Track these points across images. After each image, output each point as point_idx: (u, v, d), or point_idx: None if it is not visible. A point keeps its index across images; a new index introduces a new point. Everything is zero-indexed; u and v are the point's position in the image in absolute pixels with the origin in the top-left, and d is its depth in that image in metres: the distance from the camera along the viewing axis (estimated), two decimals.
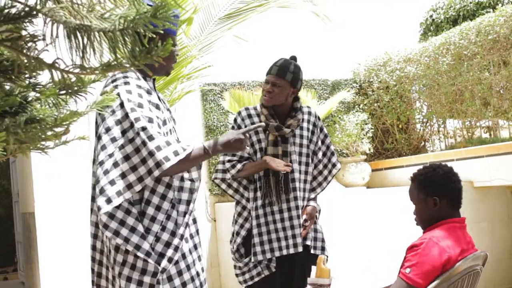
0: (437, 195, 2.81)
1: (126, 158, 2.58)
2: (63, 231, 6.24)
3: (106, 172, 2.56)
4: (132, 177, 2.56)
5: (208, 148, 2.71)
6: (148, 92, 2.76)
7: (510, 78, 6.62)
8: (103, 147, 2.60)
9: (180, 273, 2.78)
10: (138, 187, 2.56)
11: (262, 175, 3.65)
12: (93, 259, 2.86)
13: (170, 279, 2.73)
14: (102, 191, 2.54)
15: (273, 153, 3.62)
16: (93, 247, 2.85)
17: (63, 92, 1.64)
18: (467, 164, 6.12)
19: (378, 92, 8.12)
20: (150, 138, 2.56)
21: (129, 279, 2.63)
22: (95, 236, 2.84)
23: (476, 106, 7.04)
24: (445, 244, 2.67)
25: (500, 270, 6.52)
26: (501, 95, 6.95)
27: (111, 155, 2.58)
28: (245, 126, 3.71)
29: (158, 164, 2.53)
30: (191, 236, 2.87)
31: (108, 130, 2.61)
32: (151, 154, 2.54)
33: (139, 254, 2.59)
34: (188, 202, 2.83)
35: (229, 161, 3.69)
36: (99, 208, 2.53)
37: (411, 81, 7.93)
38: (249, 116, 3.75)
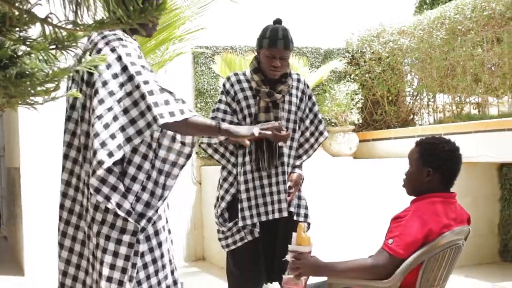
0: (432, 168, 2.81)
1: (125, 111, 2.58)
2: (48, 187, 6.23)
3: (106, 126, 2.55)
4: (131, 130, 2.57)
5: (219, 124, 2.76)
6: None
7: (502, 55, 6.61)
8: (101, 101, 2.58)
9: (157, 233, 2.80)
10: (137, 140, 2.58)
11: (253, 142, 3.64)
12: (60, 218, 2.84)
13: (148, 239, 2.75)
14: (103, 144, 2.53)
15: (265, 119, 3.61)
16: (61, 206, 2.83)
17: (54, 47, 1.62)
18: (455, 139, 6.16)
19: (370, 63, 8.10)
20: (151, 93, 2.57)
21: (107, 238, 2.63)
22: (64, 195, 2.82)
23: (467, 82, 7.04)
24: (428, 218, 2.69)
25: (482, 246, 6.61)
26: (493, 72, 6.96)
27: (110, 109, 2.57)
28: (234, 92, 3.69)
29: (155, 119, 2.54)
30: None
31: (105, 83, 2.60)
32: (149, 108, 2.55)
33: (119, 212, 2.59)
34: (174, 164, 2.84)
35: None
36: (100, 162, 2.52)
37: (404, 54, 7.91)
38: (239, 81, 3.73)
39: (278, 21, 3.68)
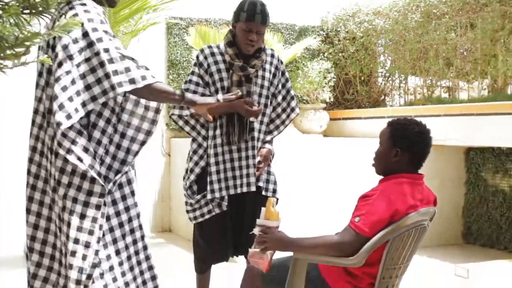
0: (401, 149, 2.83)
1: (82, 76, 2.59)
2: (15, 154, 6.16)
3: (64, 89, 2.55)
4: (86, 96, 2.58)
5: (183, 93, 2.82)
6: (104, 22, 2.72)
7: (475, 41, 6.66)
8: (60, 64, 2.58)
9: (124, 198, 2.81)
10: (91, 106, 2.59)
11: (224, 116, 3.63)
12: (27, 183, 2.84)
13: (114, 202, 2.76)
14: (61, 106, 2.53)
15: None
16: (28, 172, 2.83)
17: (27, 11, 1.59)
18: (425, 122, 6.22)
19: (344, 42, 8.11)
20: (110, 61, 2.58)
21: (75, 200, 2.63)
22: (30, 161, 2.83)
23: (439, 65, 7.09)
24: (395, 198, 2.71)
25: (446, 228, 6.71)
26: (465, 57, 7.02)
27: (68, 72, 2.57)
28: (208, 65, 3.66)
29: (112, 87, 2.56)
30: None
31: (65, 47, 2.59)
32: (107, 76, 2.57)
33: (92, 173, 2.60)
34: (138, 129, 2.87)
35: None
36: (58, 124, 2.51)
37: (378, 34, 7.92)
38: (212, 54, 3.70)
39: None
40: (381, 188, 2.79)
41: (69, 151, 2.57)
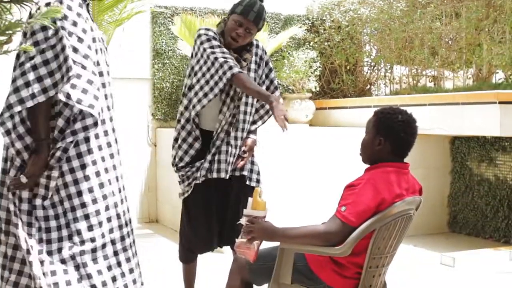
0: (384, 137, 2.84)
1: (45, 62, 2.61)
2: None
3: (23, 74, 2.57)
4: (48, 82, 2.59)
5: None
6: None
7: (460, 30, 6.68)
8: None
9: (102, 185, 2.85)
10: (52, 92, 2.61)
11: (221, 103, 3.61)
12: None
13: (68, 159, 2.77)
14: (16, 90, 2.56)
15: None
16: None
17: (7, 0, 1.56)
18: (410, 111, 6.25)
19: (329, 31, 8.10)
20: (75, 49, 2.64)
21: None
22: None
23: (424, 54, 7.10)
24: (381, 187, 2.71)
25: (431, 217, 6.74)
26: (450, 46, 7.03)
27: (31, 58, 2.59)
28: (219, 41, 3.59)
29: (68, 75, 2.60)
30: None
31: (33, 34, 2.62)
32: (66, 59, 2.61)
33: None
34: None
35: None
36: (9, 106, 2.53)
37: (364, 24, 7.92)
38: (215, 36, 3.64)
39: None
40: (367, 177, 2.79)
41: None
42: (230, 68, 3.43)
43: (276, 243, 2.87)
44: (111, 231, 2.84)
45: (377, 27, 7.73)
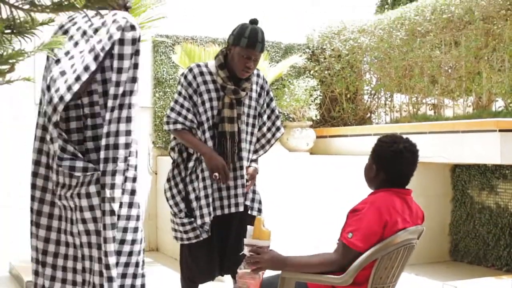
0: (377, 167, 2.84)
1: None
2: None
3: (63, 73, 2.75)
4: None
5: None
6: None
7: (459, 58, 6.71)
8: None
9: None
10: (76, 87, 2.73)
11: (216, 136, 3.62)
12: (33, 198, 2.89)
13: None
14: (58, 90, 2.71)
15: (229, 115, 3.61)
16: (33, 186, 2.94)
17: (9, 31, 1.57)
18: (410, 139, 6.27)
19: (330, 59, 8.14)
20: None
21: (88, 195, 2.79)
22: (35, 175, 2.93)
23: (424, 83, 7.13)
24: (385, 210, 2.71)
25: (433, 245, 6.70)
26: (449, 75, 7.06)
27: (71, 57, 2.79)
28: (197, 84, 3.65)
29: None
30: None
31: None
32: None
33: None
34: None
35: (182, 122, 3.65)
36: (61, 98, 2.60)
37: (363, 52, 7.96)
38: (201, 73, 3.69)
39: (255, 21, 3.66)
40: (370, 200, 2.79)
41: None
42: (174, 123, 3.62)
43: (276, 272, 2.85)
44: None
45: (377, 55, 7.77)
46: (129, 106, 2.82)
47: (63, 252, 2.90)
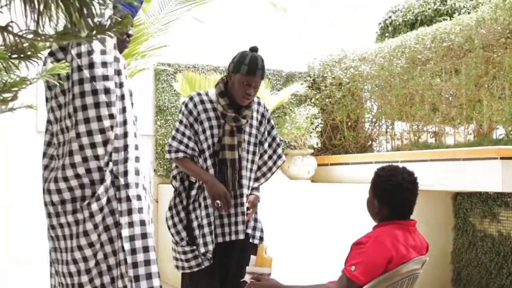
0: (379, 201, 2.84)
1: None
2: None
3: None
4: None
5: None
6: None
7: (460, 86, 6.74)
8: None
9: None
10: None
11: (217, 164, 3.63)
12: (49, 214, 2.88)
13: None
14: None
15: (229, 143, 3.62)
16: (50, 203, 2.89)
17: (15, 56, 1.59)
18: (411, 167, 6.23)
19: (330, 88, 8.17)
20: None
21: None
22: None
23: (425, 110, 7.15)
24: (389, 245, 2.70)
25: (435, 274, 6.67)
26: (450, 102, 7.08)
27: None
28: (197, 113, 3.67)
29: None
30: None
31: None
32: None
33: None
34: None
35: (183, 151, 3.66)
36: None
37: (364, 80, 8.00)
38: (202, 102, 3.71)
39: (254, 49, 3.68)
40: (375, 234, 2.78)
41: None
42: (176, 151, 3.64)
43: None
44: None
45: (378, 83, 7.80)
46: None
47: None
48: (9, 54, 1.54)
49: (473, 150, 5.91)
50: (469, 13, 7.83)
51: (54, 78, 2.20)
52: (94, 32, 1.40)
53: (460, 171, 5.87)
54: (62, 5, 1.37)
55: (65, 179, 2.76)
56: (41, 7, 1.35)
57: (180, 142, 3.64)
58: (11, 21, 1.41)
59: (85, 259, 2.79)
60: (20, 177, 5.97)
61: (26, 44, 1.50)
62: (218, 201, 3.53)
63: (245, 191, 3.70)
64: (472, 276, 6.63)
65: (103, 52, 2.77)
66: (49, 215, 2.86)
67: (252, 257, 2.88)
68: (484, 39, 6.39)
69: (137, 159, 2.85)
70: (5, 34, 1.41)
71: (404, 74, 7.30)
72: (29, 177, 6.02)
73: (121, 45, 2.98)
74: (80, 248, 2.77)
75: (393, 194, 2.83)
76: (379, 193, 2.86)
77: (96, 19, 1.37)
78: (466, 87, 6.65)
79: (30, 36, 1.41)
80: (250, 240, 3.74)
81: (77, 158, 2.74)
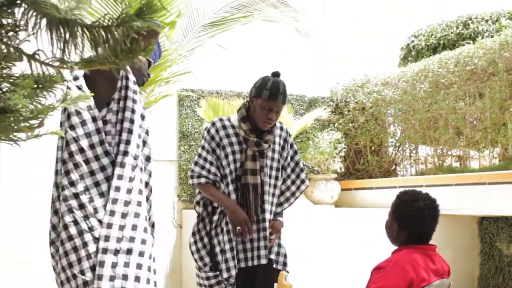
0: (399, 226, 2.83)
1: None
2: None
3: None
4: None
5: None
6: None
7: (484, 109, 6.70)
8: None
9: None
10: None
11: (239, 189, 3.64)
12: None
13: None
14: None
15: (251, 167, 3.62)
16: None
17: (40, 86, 1.62)
18: (436, 191, 6.20)
19: (354, 112, 8.17)
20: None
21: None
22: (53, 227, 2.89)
23: (449, 134, 7.11)
24: (410, 268, 2.68)
25: None
26: (474, 126, 7.04)
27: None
28: (220, 138, 3.68)
29: None
30: None
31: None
32: None
33: None
34: None
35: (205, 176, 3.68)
36: None
37: (387, 105, 7.98)
38: (224, 127, 3.73)
39: (276, 74, 3.70)
40: (395, 258, 2.76)
41: None
42: (198, 177, 3.67)
43: None
44: None
45: (401, 108, 7.79)
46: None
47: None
48: (34, 84, 1.57)
49: (498, 174, 5.85)
50: (492, 36, 7.81)
51: (78, 107, 2.23)
52: (119, 59, 1.42)
53: (486, 195, 5.81)
54: (88, 33, 1.40)
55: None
56: (67, 35, 1.38)
57: (202, 167, 3.66)
58: (38, 49, 1.44)
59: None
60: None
61: (52, 72, 1.53)
62: (239, 227, 3.53)
63: (268, 215, 3.69)
64: None
65: None
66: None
67: (275, 285, 2.89)
68: (508, 62, 6.36)
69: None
70: (32, 62, 1.44)
71: (427, 98, 7.28)
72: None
73: (139, 80, 3.05)
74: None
75: (413, 220, 2.82)
76: (399, 218, 2.85)
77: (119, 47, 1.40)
78: (490, 111, 6.62)
79: (56, 63, 1.44)
80: (274, 266, 3.73)
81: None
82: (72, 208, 2.71)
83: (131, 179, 2.80)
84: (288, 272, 3.67)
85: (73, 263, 2.70)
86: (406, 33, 9.59)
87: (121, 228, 2.74)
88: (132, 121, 2.84)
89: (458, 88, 6.95)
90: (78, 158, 2.75)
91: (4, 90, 1.69)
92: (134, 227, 2.77)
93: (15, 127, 1.61)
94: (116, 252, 2.70)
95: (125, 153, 2.80)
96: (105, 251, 2.68)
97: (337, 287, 5.85)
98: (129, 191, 2.78)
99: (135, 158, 2.84)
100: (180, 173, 7.46)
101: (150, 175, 2.99)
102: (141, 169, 2.89)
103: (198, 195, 3.82)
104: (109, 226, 2.72)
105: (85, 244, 2.69)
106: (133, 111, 2.86)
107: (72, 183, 2.73)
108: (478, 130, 6.94)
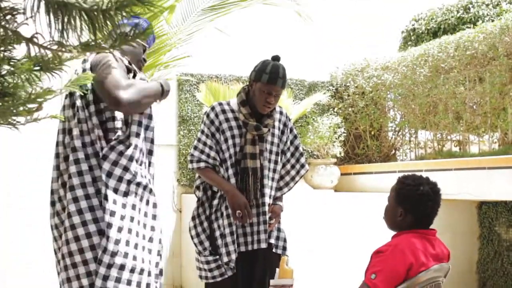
0: (404, 210, 2.83)
1: None
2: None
3: None
4: None
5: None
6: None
7: (484, 94, 6.69)
8: None
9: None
10: None
11: (239, 173, 3.64)
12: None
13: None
14: None
15: (251, 151, 3.62)
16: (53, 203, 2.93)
17: (38, 68, 1.61)
18: (435, 176, 6.20)
19: (353, 97, 8.15)
20: None
21: None
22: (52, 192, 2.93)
23: (449, 119, 7.11)
24: (409, 252, 2.69)
25: (460, 283, 6.61)
26: (474, 111, 7.03)
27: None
28: (219, 122, 3.68)
29: None
30: None
31: None
32: None
33: None
34: None
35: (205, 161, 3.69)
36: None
37: (387, 89, 7.97)
38: (223, 111, 3.72)
39: (277, 58, 3.69)
40: (395, 242, 2.77)
41: None
42: (198, 161, 3.69)
43: None
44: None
45: (401, 92, 7.77)
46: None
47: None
48: (33, 66, 1.56)
49: (498, 158, 5.85)
50: (492, 21, 7.78)
51: (78, 89, 2.22)
52: (117, 42, 1.42)
53: (485, 180, 5.82)
54: (86, 17, 1.39)
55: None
56: (65, 18, 1.37)
57: (202, 152, 3.65)
58: (36, 33, 1.43)
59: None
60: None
61: (50, 56, 1.53)
62: (239, 211, 3.54)
63: (267, 200, 3.69)
64: (498, 286, 6.55)
65: None
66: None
67: (277, 270, 2.90)
68: (508, 46, 6.35)
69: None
70: (30, 45, 1.43)
71: (427, 83, 7.26)
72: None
73: (136, 66, 3.07)
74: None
75: (419, 204, 2.82)
76: (406, 202, 2.84)
77: (118, 30, 1.39)
78: (490, 95, 6.60)
79: (55, 47, 1.43)
80: (273, 250, 3.74)
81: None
82: (77, 197, 2.73)
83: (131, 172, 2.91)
84: (288, 256, 3.69)
85: (74, 252, 2.71)
86: (407, 17, 9.56)
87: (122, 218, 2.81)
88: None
89: (458, 73, 6.93)
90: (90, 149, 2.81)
91: (3, 73, 1.68)
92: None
93: (14, 111, 1.60)
94: (120, 229, 2.78)
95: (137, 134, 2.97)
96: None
97: (336, 271, 5.87)
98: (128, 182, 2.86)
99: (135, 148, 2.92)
100: (179, 157, 7.46)
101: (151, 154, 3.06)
102: (140, 150, 2.93)
103: (198, 180, 3.82)
104: (112, 214, 2.76)
105: (88, 235, 2.70)
106: None
107: (81, 172, 2.75)
108: (478, 115, 6.93)
